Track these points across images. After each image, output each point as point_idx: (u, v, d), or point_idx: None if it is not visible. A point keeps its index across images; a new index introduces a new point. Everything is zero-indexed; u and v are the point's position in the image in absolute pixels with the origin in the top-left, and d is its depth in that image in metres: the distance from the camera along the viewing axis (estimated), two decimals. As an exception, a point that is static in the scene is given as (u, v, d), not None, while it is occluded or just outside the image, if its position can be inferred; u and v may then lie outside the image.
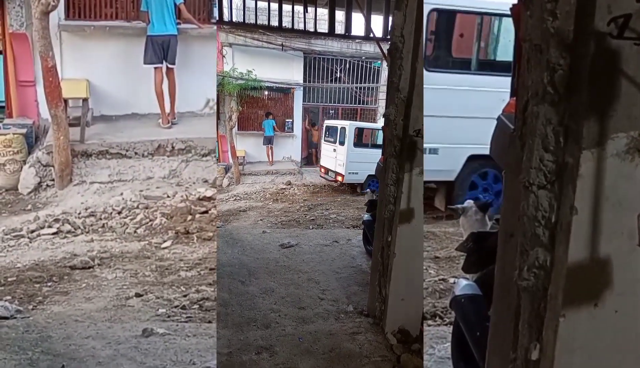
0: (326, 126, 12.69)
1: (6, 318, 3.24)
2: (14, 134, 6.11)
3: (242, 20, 11.23)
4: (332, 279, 4.96)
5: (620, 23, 1.33)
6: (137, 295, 3.61)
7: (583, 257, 1.43)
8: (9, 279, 3.93)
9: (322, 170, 12.65)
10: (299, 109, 14.85)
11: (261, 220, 9.43)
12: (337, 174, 11.72)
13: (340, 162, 11.43)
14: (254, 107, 14.45)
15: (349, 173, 11.28)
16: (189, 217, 4.73)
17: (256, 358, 3.20)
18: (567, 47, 1.43)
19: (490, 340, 1.65)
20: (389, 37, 3.81)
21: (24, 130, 6.23)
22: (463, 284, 2.34)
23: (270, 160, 14.52)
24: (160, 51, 6.12)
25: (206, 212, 4.69)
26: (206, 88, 6.46)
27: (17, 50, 6.48)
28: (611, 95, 1.40)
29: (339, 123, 12.19)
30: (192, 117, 6.41)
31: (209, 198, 4.88)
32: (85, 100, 6.24)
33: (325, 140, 12.54)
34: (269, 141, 14.32)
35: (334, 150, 11.77)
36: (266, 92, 14.48)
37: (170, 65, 6.20)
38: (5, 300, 3.53)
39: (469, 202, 3.00)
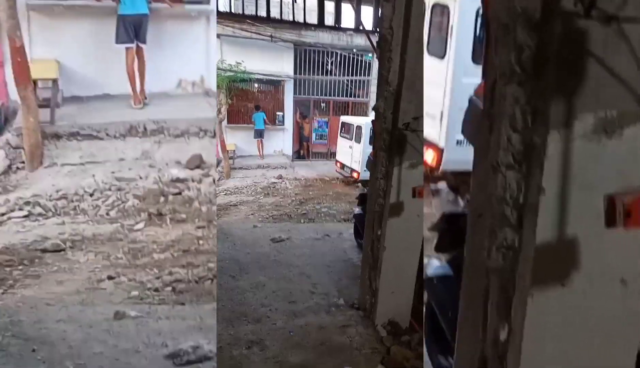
0: (342, 122, 12.80)
1: None
2: None
3: (228, 10, 11.12)
4: (323, 273, 4.97)
5: (587, 3, 1.33)
6: (110, 277, 3.58)
7: (551, 237, 1.43)
8: None
9: (338, 164, 12.78)
10: (289, 102, 14.77)
11: (252, 214, 9.41)
12: (352, 170, 11.88)
13: (356, 159, 11.60)
14: (244, 99, 14.34)
15: (365, 170, 11.41)
16: (162, 199, 4.70)
17: (247, 352, 3.21)
18: (535, 26, 1.42)
19: (459, 321, 1.65)
20: (378, 29, 3.79)
21: None
22: (435, 265, 2.35)
23: (261, 153, 14.46)
24: (132, 30, 6.05)
25: (179, 193, 4.66)
26: (178, 68, 6.37)
27: None
28: (578, 75, 1.39)
29: (354, 120, 12.34)
30: (165, 98, 6.33)
31: (182, 180, 4.86)
32: (55, 81, 6.13)
33: (341, 136, 12.70)
34: (259, 134, 14.25)
35: (350, 146, 11.92)
36: (256, 85, 14.37)
37: (141, 45, 6.14)
38: None
39: (442, 183, 3.03)
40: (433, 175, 5.88)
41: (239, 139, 14.38)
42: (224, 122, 13.65)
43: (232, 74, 13.07)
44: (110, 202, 4.85)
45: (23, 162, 5.68)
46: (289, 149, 15.20)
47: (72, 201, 4.88)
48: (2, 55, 6.26)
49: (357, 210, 5.92)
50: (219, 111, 13.23)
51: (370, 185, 3.86)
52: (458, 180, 3.82)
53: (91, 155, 5.63)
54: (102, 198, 4.94)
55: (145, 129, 5.87)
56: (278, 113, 14.75)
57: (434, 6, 5.35)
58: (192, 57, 6.32)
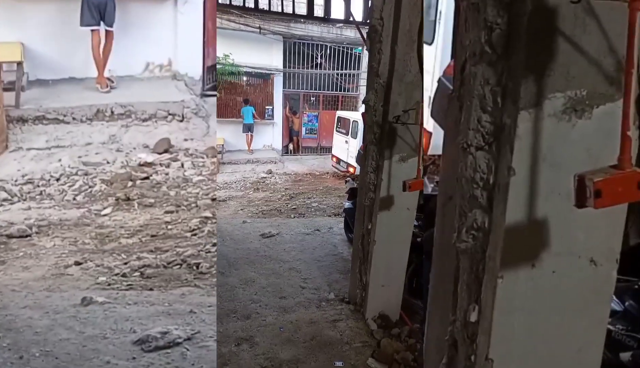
0: (338, 117, 12.77)
1: None
2: None
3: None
4: (313, 268, 4.96)
5: (556, -21, 1.31)
6: (77, 263, 3.53)
7: (520, 218, 1.42)
8: None
9: (334, 159, 12.77)
10: (279, 96, 14.68)
11: (241, 209, 9.35)
12: (349, 165, 11.88)
13: (352, 153, 11.60)
14: (232, 93, 14.22)
15: None
16: (130, 183, 4.65)
17: (236, 349, 3.18)
18: (505, 5, 1.41)
19: (429, 302, 1.65)
20: (368, 21, 3.74)
21: None
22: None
23: (249, 148, 14.39)
24: (97, 13, 5.96)
25: (147, 178, 4.62)
26: (145, 51, 6.29)
27: None
28: (548, 54, 1.38)
29: (350, 115, 12.34)
30: (132, 81, 6.26)
31: (150, 164, 4.82)
32: (19, 63, 6.03)
33: (337, 131, 12.68)
34: (248, 129, 14.16)
35: (346, 141, 11.93)
36: (245, 78, 14.26)
37: (108, 28, 6.06)
38: None
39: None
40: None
41: (227, 133, 14.27)
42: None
43: (220, 66, 12.95)
44: (77, 186, 4.79)
45: None
46: (278, 144, 15.13)
47: (38, 186, 4.81)
48: None
49: (347, 204, 5.91)
50: (207, 105, 13.12)
51: (360, 179, 3.84)
52: (427, 162, 3.81)
53: (57, 139, 5.54)
54: (69, 182, 4.87)
55: (112, 112, 5.79)
56: (267, 107, 14.66)
57: None
58: (160, 39, 6.20)
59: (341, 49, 14.50)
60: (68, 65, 6.36)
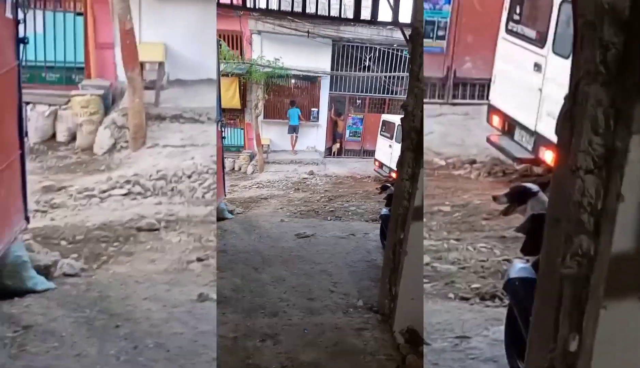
0: (383, 120, 12.66)
1: (71, 275, 3.35)
2: (91, 95, 6.29)
3: (265, 7, 11.20)
4: (344, 272, 4.89)
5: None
6: (199, 259, 3.66)
7: (628, 247, 1.36)
8: (77, 237, 4.06)
9: (377, 163, 12.63)
10: (325, 98, 14.73)
11: (281, 208, 9.45)
12: (391, 170, 11.65)
13: (395, 158, 11.32)
14: (280, 95, 14.42)
15: None
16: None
17: (260, 345, 3.18)
18: (622, 24, 1.35)
19: (531, 327, 1.60)
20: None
21: (101, 92, 6.39)
22: (518, 267, 2.25)
23: (293, 148, 14.52)
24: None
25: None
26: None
27: (97, 13, 6.66)
28: (667, 77, 1.32)
29: (396, 119, 12.13)
30: None
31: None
32: (161, 63, 6.36)
33: (381, 135, 12.54)
34: (293, 130, 14.32)
35: (390, 145, 11.73)
36: (293, 81, 14.42)
37: None
38: (72, 258, 3.64)
39: (534, 185, 2.87)
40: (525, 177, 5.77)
41: (273, 134, 14.48)
42: (260, 117, 13.78)
43: (270, 69, 13.16)
44: (206, 184, 5.02)
45: (127, 142, 5.95)
46: (322, 145, 15.19)
47: (171, 182, 5.07)
48: (113, 37, 6.55)
49: (384, 210, 5.77)
50: (256, 106, 13.37)
51: (395, 187, 3.74)
52: (542, 181, 3.65)
53: (192, 137, 5.85)
54: (200, 180, 5.11)
55: None
56: (313, 109, 14.76)
57: (562, 2, 5.16)
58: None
59: (390, 51, 14.35)
60: (207, 67, 6.64)
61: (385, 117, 12.87)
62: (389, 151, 11.79)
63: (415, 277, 3.42)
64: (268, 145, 14.11)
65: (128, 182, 5.01)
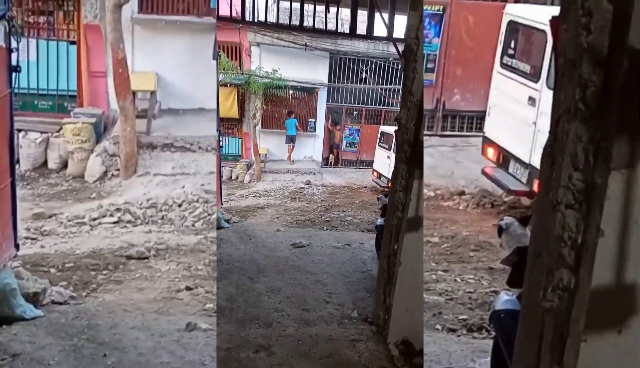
0: (381, 131, 12.72)
1: (60, 303, 3.34)
2: (83, 123, 6.32)
3: (264, 20, 11.30)
4: (340, 283, 4.89)
5: (657, 40, 1.28)
6: (188, 288, 3.65)
7: (608, 281, 1.38)
8: (67, 265, 4.05)
9: (375, 174, 12.66)
10: (322, 109, 14.83)
11: (277, 218, 9.44)
12: (390, 180, 11.65)
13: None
14: (278, 106, 14.50)
15: None
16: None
17: (253, 356, 3.17)
18: (601, 63, 1.38)
19: (514, 360, 1.61)
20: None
21: (93, 120, 6.42)
22: (504, 299, 2.25)
23: (290, 158, 14.57)
24: None
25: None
26: None
27: (90, 42, 6.70)
28: (645, 114, 1.35)
29: (394, 130, 12.16)
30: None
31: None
32: (153, 93, 6.40)
33: (379, 146, 12.58)
34: (291, 140, 14.39)
35: (388, 156, 11.75)
36: (290, 92, 14.51)
37: None
38: (61, 286, 3.64)
39: (509, 218, 2.90)
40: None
41: (271, 144, 14.54)
42: (258, 127, 13.84)
43: (268, 80, 13.25)
44: (197, 213, 5.02)
45: (118, 170, 5.98)
46: (318, 155, 15.25)
47: (161, 210, 5.09)
48: (106, 66, 6.61)
49: (379, 221, 5.78)
50: (254, 116, 13.42)
51: (389, 198, 3.77)
52: (526, 214, 3.68)
53: (183, 166, 5.89)
54: (190, 209, 5.13)
55: None
56: (310, 120, 14.83)
57: None
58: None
59: (386, 64, 14.49)
60: (198, 96, 6.71)
61: (384, 128, 12.93)
62: (387, 162, 11.82)
63: (410, 288, 3.42)
64: (265, 154, 14.16)
65: (118, 210, 5.02)
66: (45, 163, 6.43)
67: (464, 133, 8.37)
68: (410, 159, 3.37)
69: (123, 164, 5.83)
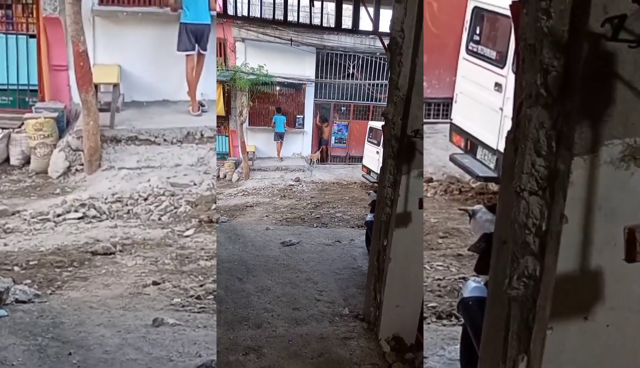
0: (370, 127, 12.71)
1: (24, 302, 3.26)
2: (45, 117, 6.15)
3: (247, 14, 11.16)
4: (330, 280, 4.86)
5: (615, 24, 1.27)
6: (154, 283, 3.59)
7: (573, 267, 1.37)
8: (31, 263, 3.95)
9: (365, 170, 12.69)
10: (310, 105, 14.75)
11: (266, 216, 9.39)
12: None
13: None
14: (265, 102, 14.40)
15: None
16: (214, 206, 4.75)
17: (243, 359, 3.13)
18: (561, 47, 1.37)
19: (481, 349, 1.60)
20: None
21: (55, 114, 6.24)
22: (472, 286, 2.25)
23: (279, 155, 14.50)
24: (194, 38, 6.16)
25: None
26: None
27: (50, 35, 6.51)
28: (606, 99, 1.33)
29: (382, 125, 12.15)
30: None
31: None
32: (116, 85, 6.26)
33: (368, 141, 12.59)
34: (279, 137, 14.30)
35: (377, 152, 11.75)
36: (277, 88, 14.41)
37: (202, 52, 6.22)
38: (25, 284, 3.55)
39: (478, 205, 2.90)
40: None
41: (259, 141, 14.45)
42: (245, 124, 13.74)
43: (254, 76, 13.15)
44: (163, 206, 4.93)
45: (82, 165, 5.84)
46: (307, 152, 15.19)
47: (127, 204, 4.98)
48: (67, 59, 6.45)
49: (369, 217, 5.76)
50: (241, 113, 13.33)
51: (378, 194, 3.72)
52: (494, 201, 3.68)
53: (148, 159, 5.76)
54: (156, 202, 5.03)
55: (202, 135, 5.97)
56: (298, 116, 14.77)
57: None
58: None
59: (373, 59, 14.47)
60: (162, 88, 6.59)
61: (372, 123, 12.93)
62: (376, 157, 11.84)
63: (400, 284, 3.40)
64: (253, 152, 14.07)
65: (83, 205, 4.91)
66: (7, 159, 6.25)
67: (431, 120, 8.36)
68: (398, 154, 3.33)
69: (87, 158, 5.71)
